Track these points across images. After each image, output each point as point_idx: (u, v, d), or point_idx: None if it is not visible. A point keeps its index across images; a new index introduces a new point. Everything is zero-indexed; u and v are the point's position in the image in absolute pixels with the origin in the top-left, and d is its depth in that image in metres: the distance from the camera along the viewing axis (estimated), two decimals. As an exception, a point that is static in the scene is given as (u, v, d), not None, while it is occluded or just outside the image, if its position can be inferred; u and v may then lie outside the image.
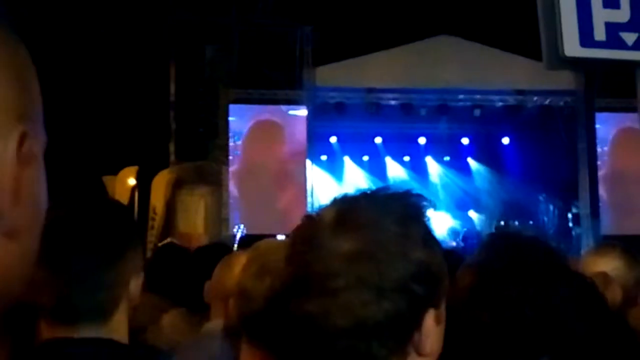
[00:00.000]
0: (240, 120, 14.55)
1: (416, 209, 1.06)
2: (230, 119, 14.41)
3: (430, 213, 1.09)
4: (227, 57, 14.35)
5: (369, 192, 1.08)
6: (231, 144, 14.44)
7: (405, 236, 1.01)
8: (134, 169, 14.94)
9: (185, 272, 3.46)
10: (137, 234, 1.60)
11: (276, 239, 2.19)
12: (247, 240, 10.26)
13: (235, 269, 1.98)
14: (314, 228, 1.03)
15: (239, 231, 13.75)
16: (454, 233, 15.55)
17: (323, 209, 1.05)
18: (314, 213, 1.07)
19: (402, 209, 1.04)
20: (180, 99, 14.48)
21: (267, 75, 14.43)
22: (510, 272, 1.35)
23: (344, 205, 1.04)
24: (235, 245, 9.52)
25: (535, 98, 15.33)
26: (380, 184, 1.14)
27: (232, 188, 14.39)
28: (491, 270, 1.37)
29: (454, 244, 14.20)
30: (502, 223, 15.52)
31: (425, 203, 1.08)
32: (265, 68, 14.39)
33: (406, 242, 1.00)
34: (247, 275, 1.74)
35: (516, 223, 15.17)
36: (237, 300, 1.72)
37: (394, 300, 0.96)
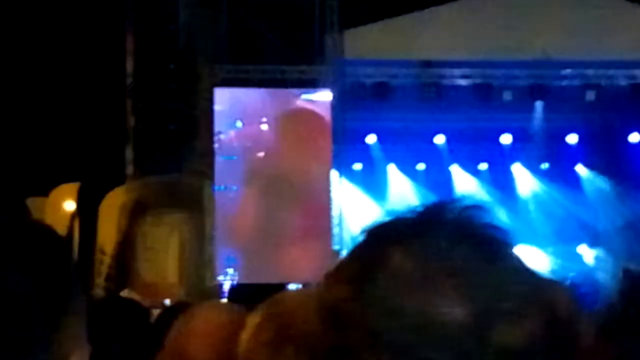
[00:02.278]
0: (232, 111, 14.59)
1: (507, 242, 1.14)
2: (216, 108, 14.52)
3: (518, 250, 1.15)
4: (212, 20, 14.49)
5: (436, 213, 1.16)
6: (218, 147, 14.53)
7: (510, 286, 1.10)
8: (73, 187, 15.05)
9: (147, 346, 3.43)
10: (79, 286, 1.60)
11: (302, 291, 2.31)
12: (245, 293, 10.17)
13: (215, 334, 2.06)
14: (384, 284, 1.10)
15: (226, 279, 13.84)
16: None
17: (384, 248, 1.12)
18: (374, 252, 1.13)
19: (492, 244, 1.13)
20: (142, 81, 14.58)
21: (272, 45, 14.53)
22: None
23: (423, 240, 1.12)
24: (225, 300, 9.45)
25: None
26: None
27: (221, 215, 14.45)
28: None
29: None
30: (631, 264, 15.37)
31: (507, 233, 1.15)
32: (269, 33, 14.49)
33: (518, 296, 1.10)
34: (258, 344, 1.80)
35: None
36: None
37: None
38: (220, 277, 13.93)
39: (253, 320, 1.95)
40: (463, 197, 1.16)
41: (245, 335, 1.94)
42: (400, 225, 1.14)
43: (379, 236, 1.15)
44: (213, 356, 2.06)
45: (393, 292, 1.08)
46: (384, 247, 1.12)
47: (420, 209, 1.16)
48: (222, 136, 14.54)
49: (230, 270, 13.94)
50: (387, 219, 1.16)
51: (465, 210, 1.14)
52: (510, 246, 1.14)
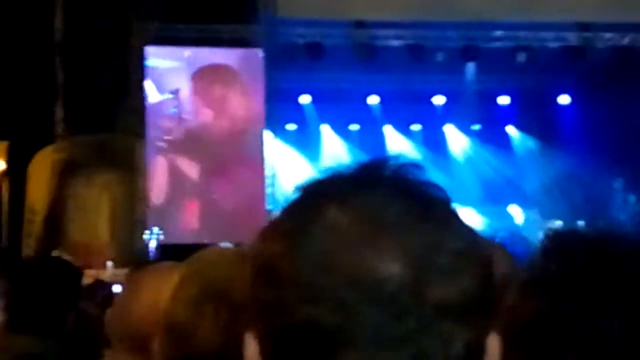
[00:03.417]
0: (164, 70, 14.57)
1: (444, 199, 1.16)
2: (147, 65, 14.50)
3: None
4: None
5: (371, 172, 1.15)
6: (150, 105, 14.51)
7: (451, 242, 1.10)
8: (1, 145, 14.79)
9: (75, 304, 3.54)
10: None
11: (222, 248, 2.34)
12: (174, 252, 10.30)
13: (161, 293, 2.03)
14: (320, 239, 1.08)
15: (152, 237, 13.85)
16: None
17: (320, 203, 1.10)
18: (309, 207, 1.11)
19: (434, 200, 1.14)
20: (72, 38, 14.42)
21: (206, 3, 14.51)
22: (605, 292, 1.47)
23: (360, 196, 1.11)
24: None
25: (607, 36, 15.50)
26: None
27: (153, 174, 14.49)
28: (578, 293, 1.48)
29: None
30: (559, 223, 15.65)
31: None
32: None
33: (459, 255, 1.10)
34: (180, 302, 1.81)
35: (580, 222, 15.32)
36: (166, 339, 1.79)
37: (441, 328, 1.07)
38: (146, 236, 13.89)
39: (173, 277, 1.94)
40: (399, 156, 1.15)
41: (162, 294, 1.94)
42: (335, 181, 1.13)
43: (314, 192, 1.13)
44: (158, 320, 2.03)
45: (329, 247, 1.07)
46: (320, 202, 1.10)
47: (356, 166, 1.15)
48: (157, 98, 14.53)
49: (156, 229, 13.89)
50: (322, 175, 1.15)
51: (401, 167, 1.14)
52: (447, 203, 1.15)
